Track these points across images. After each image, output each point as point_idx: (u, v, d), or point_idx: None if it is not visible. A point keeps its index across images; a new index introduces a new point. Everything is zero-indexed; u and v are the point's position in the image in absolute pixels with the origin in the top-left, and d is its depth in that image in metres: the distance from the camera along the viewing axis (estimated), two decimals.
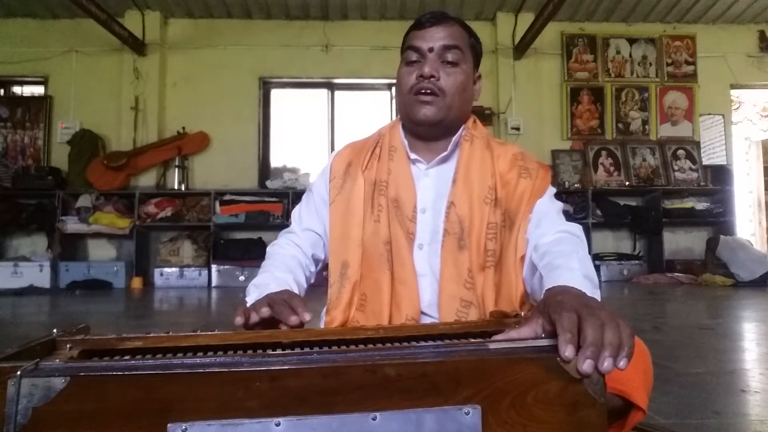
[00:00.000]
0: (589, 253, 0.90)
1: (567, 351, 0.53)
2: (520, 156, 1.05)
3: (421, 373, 0.52)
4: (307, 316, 0.76)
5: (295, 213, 1.15)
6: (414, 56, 1.01)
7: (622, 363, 0.53)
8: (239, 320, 0.76)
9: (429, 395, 0.52)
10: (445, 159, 1.04)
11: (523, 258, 0.95)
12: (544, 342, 0.58)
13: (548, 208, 0.99)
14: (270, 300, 0.80)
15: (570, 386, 0.54)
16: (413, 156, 1.05)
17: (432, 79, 0.98)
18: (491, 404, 0.52)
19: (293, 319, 0.74)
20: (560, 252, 0.85)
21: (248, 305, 0.82)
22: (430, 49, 0.99)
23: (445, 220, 0.98)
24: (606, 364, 0.53)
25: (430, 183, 1.03)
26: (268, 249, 1.10)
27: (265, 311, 0.76)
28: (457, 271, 0.96)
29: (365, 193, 1.03)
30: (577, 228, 0.95)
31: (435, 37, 1.00)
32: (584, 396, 0.54)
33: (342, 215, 1.04)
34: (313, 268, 1.10)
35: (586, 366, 0.52)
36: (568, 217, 5.76)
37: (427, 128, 1.02)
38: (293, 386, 0.50)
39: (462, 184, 1.00)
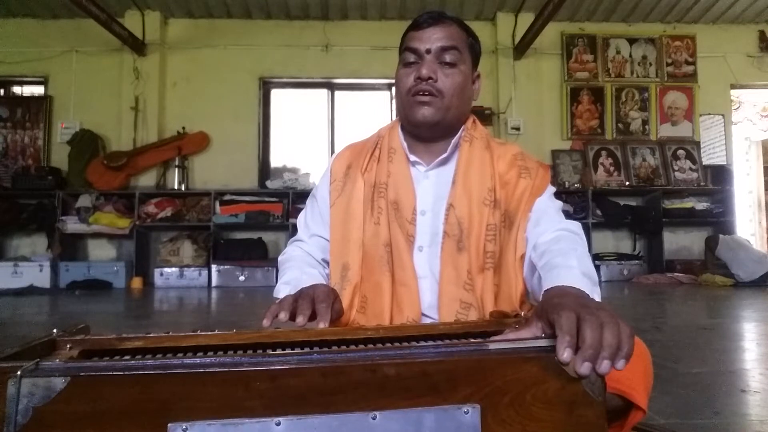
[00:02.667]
0: (589, 252, 0.90)
1: (564, 354, 0.53)
2: (520, 156, 1.04)
3: (421, 373, 0.52)
4: (322, 324, 0.76)
5: (301, 220, 1.15)
6: (412, 57, 1.01)
7: (619, 364, 0.54)
8: (266, 323, 0.76)
9: (428, 394, 0.52)
10: (444, 161, 1.04)
11: (523, 257, 0.95)
12: (544, 342, 0.58)
13: (547, 207, 0.99)
14: (298, 295, 0.81)
15: (568, 386, 0.54)
16: (413, 158, 1.04)
17: (430, 80, 0.98)
18: (490, 403, 0.53)
19: (299, 320, 0.75)
20: (558, 251, 0.85)
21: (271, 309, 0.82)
22: (428, 51, 0.99)
23: (444, 222, 0.98)
24: (603, 366, 0.53)
25: (430, 185, 1.03)
26: (280, 258, 1.11)
27: (283, 316, 0.76)
28: (457, 272, 0.96)
29: (365, 195, 1.03)
30: (576, 225, 0.95)
31: (432, 38, 0.99)
32: (582, 395, 0.54)
33: (342, 217, 1.04)
34: (326, 272, 1.09)
35: (584, 369, 0.53)
36: (568, 216, 5.80)
37: (425, 129, 1.02)
38: (293, 386, 0.50)
39: (461, 186, 1.00)
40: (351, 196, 1.04)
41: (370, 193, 1.03)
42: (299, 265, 1.03)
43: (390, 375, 0.51)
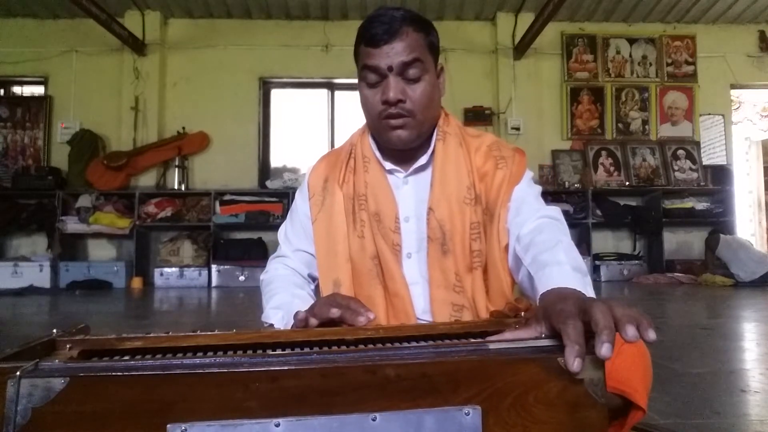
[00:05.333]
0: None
1: (575, 364, 0.52)
2: (495, 146, 1.03)
3: (421, 374, 0.51)
4: (371, 315, 0.75)
5: (282, 234, 1.12)
6: (374, 77, 0.95)
7: (651, 334, 0.52)
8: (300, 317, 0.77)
9: (429, 396, 0.51)
10: (422, 165, 1.02)
11: (506, 248, 0.94)
12: (545, 342, 0.58)
13: (526, 194, 0.97)
14: (332, 302, 0.79)
15: (570, 387, 0.54)
16: (389, 166, 1.02)
17: (399, 103, 0.93)
18: (492, 405, 0.52)
19: (361, 320, 0.74)
20: (544, 244, 0.83)
21: (299, 315, 0.80)
22: (390, 68, 0.92)
23: (426, 227, 0.97)
24: (630, 331, 0.51)
25: (410, 190, 1.02)
26: (262, 277, 1.08)
27: (335, 312, 0.75)
28: (444, 275, 0.96)
29: (345, 208, 1.01)
30: (556, 211, 0.94)
31: (392, 54, 0.92)
32: (585, 397, 0.54)
33: (326, 232, 1.02)
34: (312, 288, 1.08)
35: (605, 350, 0.51)
36: (568, 217, 5.77)
37: (403, 147, 1.00)
38: (293, 387, 0.49)
39: (439, 188, 0.98)
40: (332, 210, 1.02)
41: (351, 205, 1.01)
42: (286, 287, 1.00)
43: (390, 376, 0.51)
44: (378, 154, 1.03)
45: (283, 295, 0.97)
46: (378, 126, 0.98)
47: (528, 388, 0.53)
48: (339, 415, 0.49)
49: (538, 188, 1.01)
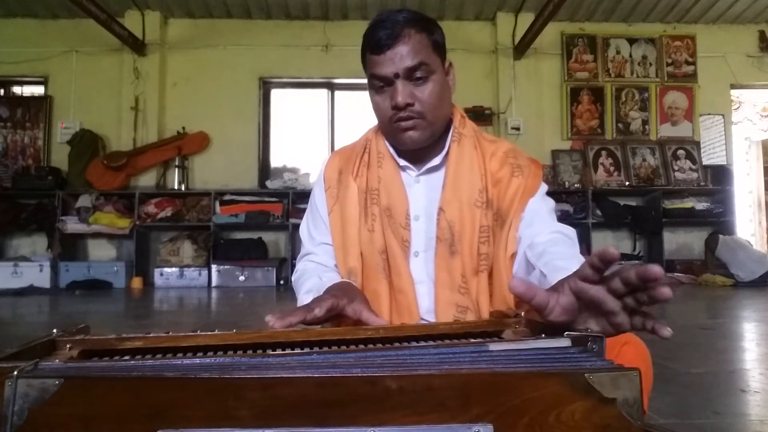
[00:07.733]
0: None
1: (654, 267, 0.54)
2: (512, 153, 1.03)
3: (426, 387, 0.47)
4: (316, 310, 0.76)
5: (304, 232, 1.13)
6: (382, 84, 0.97)
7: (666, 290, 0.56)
8: (274, 324, 0.72)
9: (434, 411, 0.47)
10: (435, 166, 1.03)
11: (513, 256, 0.94)
12: (572, 351, 0.54)
13: (540, 207, 0.98)
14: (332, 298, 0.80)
15: (600, 407, 0.47)
16: (402, 162, 1.03)
17: (408, 106, 0.94)
18: (506, 424, 0.47)
19: (292, 320, 0.74)
20: (560, 254, 0.84)
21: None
22: (396, 75, 0.94)
23: (436, 227, 0.98)
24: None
25: (422, 189, 1.02)
26: (293, 277, 1.10)
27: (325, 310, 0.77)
28: (450, 276, 0.96)
29: (359, 201, 1.03)
30: (570, 230, 0.95)
31: (396, 60, 0.93)
32: (617, 419, 0.47)
33: (341, 223, 1.04)
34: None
35: (666, 331, 0.57)
36: (567, 217, 5.75)
37: (414, 147, 1.01)
38: (287, 396, 0.47)
39: (451, 189, 0.99)
40: (346, 202, 1.04)
41: (363, 199, 1.03)
42: (315, 274, 1.01)
43: (391, 388, 0.47)
44: (392, 150, 1.04)
45: (312, 280, 0.99)
46: (390, 129, 0.99)
47: (549, 407, 0.47)
48: (335, 427, 0.46)
49: (552, 203, 1.02)
